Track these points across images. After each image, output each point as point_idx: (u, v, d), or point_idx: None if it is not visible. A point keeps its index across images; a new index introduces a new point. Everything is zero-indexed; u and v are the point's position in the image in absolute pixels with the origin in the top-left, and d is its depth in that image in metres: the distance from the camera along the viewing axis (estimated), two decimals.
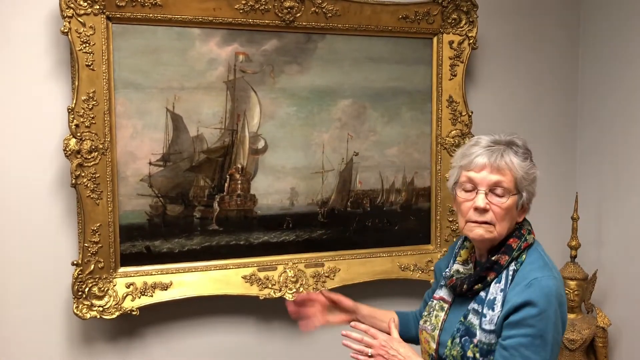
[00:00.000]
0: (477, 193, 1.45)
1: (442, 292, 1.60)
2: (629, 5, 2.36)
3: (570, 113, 2.64)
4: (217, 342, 2.22)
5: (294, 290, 2.18)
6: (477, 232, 1.46)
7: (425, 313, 1.63)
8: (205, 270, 2.11)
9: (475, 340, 1.43)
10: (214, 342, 2.21)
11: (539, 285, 1.38)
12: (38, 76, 1.96)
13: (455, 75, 2.33)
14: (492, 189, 1.45)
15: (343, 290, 2.26)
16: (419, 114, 2.34)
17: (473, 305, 1.47)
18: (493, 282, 1.46)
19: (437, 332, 1.54)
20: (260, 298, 2.15)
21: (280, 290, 2.17)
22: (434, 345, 1.54)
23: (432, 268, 2.34)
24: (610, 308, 2.45)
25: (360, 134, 2.27)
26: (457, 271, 1.57)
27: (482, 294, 1.47)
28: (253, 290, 2.15)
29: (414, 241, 2.38)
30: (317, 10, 2.14)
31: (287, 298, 2.17)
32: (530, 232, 1.52)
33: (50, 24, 1.95)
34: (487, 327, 1.42)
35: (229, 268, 2.14)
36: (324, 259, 2.25)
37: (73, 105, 1.90)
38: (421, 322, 1.62)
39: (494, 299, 1.43)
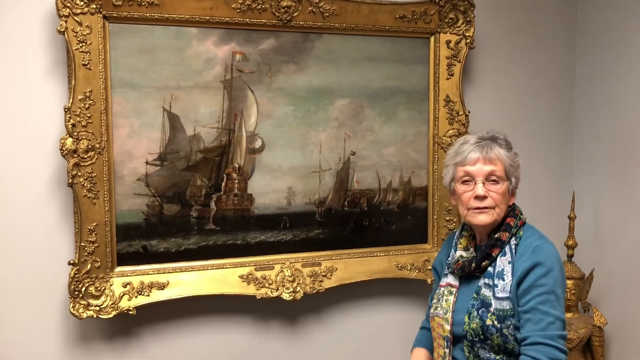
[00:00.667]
0: (475, 184, 1.67)
1: (448, 279, 1.77)
2: (627, 5, 2.36)
3: (567, 112, 2.64)
4: (214, 342, 2.22)
5: (291, 289, 2.18)
6: (481, 218, 1.67)
7: (435, 301, 1.77)
8: (202, 270, 2.11)
9: (491, 309, 1.60)
10: (211, 341, 2.21)
11: (542, 249, 1.61)
12: (34, 75, 1.95)
13: (452, 75, 2.33)
14: (487, 178, 1.66)
15: (340, 289, 2.27)
16: (416, 113, 2.34)
17: (483, 280, 1.66)
18: (498, 257, 1.65)
19: (450, 314, 1.69)
20: (257, 297, 2.15)
21: (277, 290, 2.17)
22: (448, 327, 1.69)
23: (429, 267, 2.35)
24: (607, 307, 2.45)
25: (358, 133, 2.27)
26: (461, 256, 1.75)
27: (490, 269, 1.66)
28: (250, 290, 2.15)
29: (411, 240, 2.38)
30: (314, 10, 2.13)
31: (283, 298, 2.17)
32: (522, 212, 1.75)
33: (47, 23, 1.94)
34: (500, 295, 1.61)
35: (226, 267, 2.14)
36: (321, 259, 2.25)
37: (69, 105, 1.90)
38: (431, 310, 1.78)
39: (503, 270, 1.63)
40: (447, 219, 2.38)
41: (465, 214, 1.71)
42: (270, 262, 2.19)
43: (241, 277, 2.15)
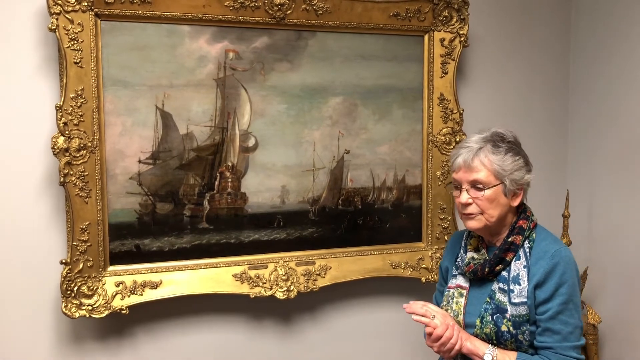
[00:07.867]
0: (461, 191, 1.66)
1: (458, 280, 1.75)
2: (621, 3, 2.36)
3: (561, 110, 2.64)
4: (207, 341, 2.21)
5: (285, 288, 2.17)
6: (469, 224, 1.67)
7: (444, 303, 1.75)
8: (196, 269, 2.10)
9: (507, 315, 1.59)
10: (204, 340, 2.21)
11: (560, 255, 1.58)
12: (25, 73, 1.94)
13: (446, 73, 2.32)
14: (472, 184, 1.64)
15: (334, 288, 2.27)
16: (410, 111, 2.33)
17: (497, 285, 1.63)
18: (513, 261, 1.63)
19: (461, 317, 1.67)
20: (251, 296, 2.15)
21: (271, 289, 2.16)
22: None
23: (424, 266, 2.35)
24: (601, 305, 2.45)
25: (352, 131, 2.26)
26: (473, 258, 1.71)
27: (504, 273, 1.63)
28: (244, 289, 2.14)
29: (405, 239, 2.38)
30: (307, 8, 2.12)
31: (277, 297, 2.16)
32: (533, 214, 1.71)
33: (38, 21, 1.93)
34: (516, 300, 1.59)
35: (220, 266, 2.13)
36: (315, 257, 2.24)
37: (61, 103, 1.89)
38: None
39: (518, 274, 1.61)
40: (442, 217, 2.38)
41: (461, 218, 1.71)
42: (264, 261, 2.19)
43: (235, 276, 2.14)
